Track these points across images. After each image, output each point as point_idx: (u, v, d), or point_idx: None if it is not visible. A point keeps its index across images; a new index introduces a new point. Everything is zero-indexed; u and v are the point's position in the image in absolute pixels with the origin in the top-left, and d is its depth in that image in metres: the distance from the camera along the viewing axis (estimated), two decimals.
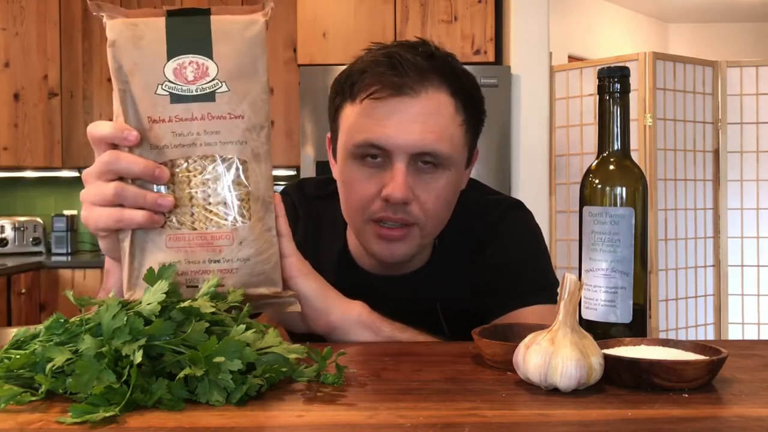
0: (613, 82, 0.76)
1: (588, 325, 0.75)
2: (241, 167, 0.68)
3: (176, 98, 0.66)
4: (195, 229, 0.67)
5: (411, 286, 1.02)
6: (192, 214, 0.67)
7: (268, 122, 0.70)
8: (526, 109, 3.12)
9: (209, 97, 0.67)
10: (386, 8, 3.17)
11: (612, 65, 0.78)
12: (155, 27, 0.67)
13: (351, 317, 0.83)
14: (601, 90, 0.77)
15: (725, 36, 6.10)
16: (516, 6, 3.10)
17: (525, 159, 3.12)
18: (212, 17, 0.67)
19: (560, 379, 0.57)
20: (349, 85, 0.92)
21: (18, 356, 0.55)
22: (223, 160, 0.67)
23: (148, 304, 0.57)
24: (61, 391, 0.54)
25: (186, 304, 0.58)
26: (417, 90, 0.88)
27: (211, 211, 0.68)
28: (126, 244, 0.68)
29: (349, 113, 0.92)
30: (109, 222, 0.67)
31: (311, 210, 1.07)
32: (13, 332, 0.60)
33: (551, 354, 0.58)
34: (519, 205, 1.09)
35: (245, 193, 0.69)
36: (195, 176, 0.67)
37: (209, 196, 0.67)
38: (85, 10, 3.62)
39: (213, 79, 0.67)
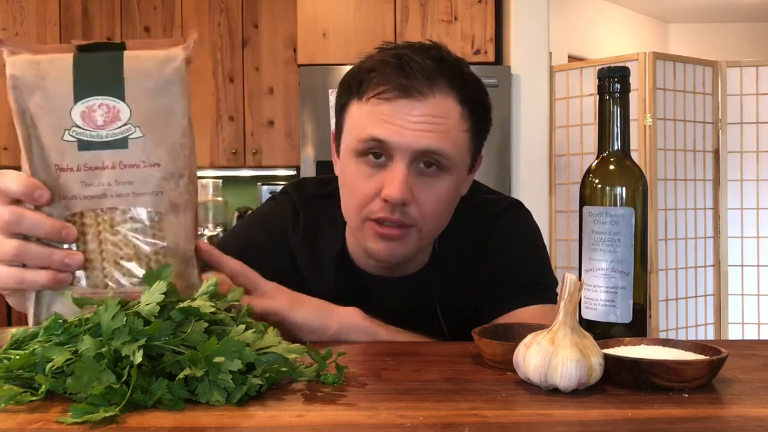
0: (613, 82, 0.76)
1: (588, 325, 0.75)
2: (156, 220, 0.63)
3: (85, 145, 0.61)
4: (107, 286, 0.62)
5: (410, 287, 1.02)
6: (104, 269, 0.62)
7: (188, 170, 0.64)
8: (526, 109, 3.12)
9: (121, 143, 0.61)
10: (386, 8, 3.17)
11: (612, 65, 0.78)
12: (61, 65, 0.61)
13: (349, 324, 0.84)
14: (601, 90, 0.77)
15: (725, 36, 6.09)
16: (516, 6, 3.10)
17: (525, 159, 3.12)
18: (126, 53, 0.62)
19: (560, 379, 0.57)
20: (356, 83, 0.92)
21: (18, 356, 0.55)
22: (136, 213, 0.63)
23: (147, 304, 0.57)
24: (61, 391, 0.54)
25: (185, 304, 0.58)
26: (424, 93, 0.88)
27: (123, 267, 0.62)
28: (30, 304, 0.62)
29: (356, 111, 0.92)
30: (10, 283, 0.62)
31: (311, 209, 1.07)
32: (12, 332, 0.60)
33: (551, 354, 0.58)
34: (517, 204, 1.09)
35: (161, 248, 0.63)
36: (105, 230, 0.62)
37: (121, 250, 0.62)
38: (85, 10, 3.62)
39: (125, 124, 0.61)
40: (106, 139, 0.61)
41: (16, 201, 0.62)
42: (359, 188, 0.91)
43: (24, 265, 0.62)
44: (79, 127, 0.61)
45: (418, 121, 0.88)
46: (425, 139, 0.88)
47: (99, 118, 0.61)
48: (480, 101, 0.94)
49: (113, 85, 0.61)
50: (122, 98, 0.61)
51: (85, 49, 0.61)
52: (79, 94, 0.60)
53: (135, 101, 0.61)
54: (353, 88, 0.92)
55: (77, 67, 0.61)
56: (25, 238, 0.62)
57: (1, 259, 0.62)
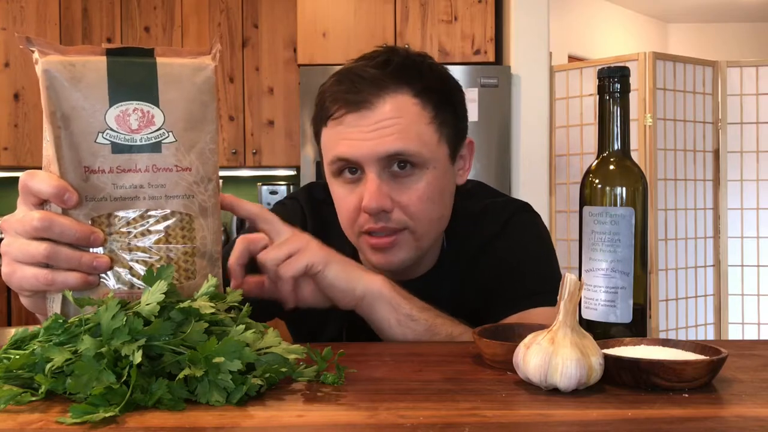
0: (613, 82, 0.76)
1: (588, 325, 0.75)
2: (186, 222, 0.65)
3: (119, 148, 0.61)
4: (132, 286, 0.63)
5: (419, 290, 1.02)
6: (131, 269, 0.63)
7: (216, 174, 0.66)
8: (526, 109, 3.12)
9: (155, 147, 0.62)
10: (386, 8, 3.17)
11: (612, 65, 0.78)
12: (95, 68, 0.61)
13: (373, 291, 0.85)
14: (601, 90, 0.77)
15: (725, 36, 6.10)
16: (516, 6, 3.10)
17: (525, 159, 3.12)
18: (158, 60, 0.63)
19: (560, 379, 0.57)
20: (320, 109, 0.95)
21: (17, 356, 0.55)
22: (167, 215, 0.64)
23: (147, 304, 0.57)
24: (61, 391, 0.54)
25: (185, 304, 0.58)
26: (372, 102, 0.89)
27: (152, 266, 0.63)
28: (57, 305, 0.62)
29: (324, 136, 0.96)
30: (38, 284, 0.62)
31: (320, 215, 1.07)
32: (12, 332, 0.60)
33: (551, 354, 0.58)
34: (526, 207, 1.09)
35: (190, 248, 0.65)
36: (135, 230, 0.63)
37: (151, 250, 0.63)
38: (85, 10, 3.62)
39: (159, 129, 0.62)
40: (140, 143, 0.62)
41: (44, 200, 0.63)
42: (344, 206, 0.94)
43: (48, 266, 0.62)
44: (114, 131, 0.61)
45: (372, 129, 0.89)
46: (384, 144, 0.89)
47: (134, 122, 0.62)
48: (439, 89, 0.94)
49: (148, 91, 0.62)
50: (156, 104, 0.62)
51: (116, 53, 0.62)
52: (114, 97, 0.61)
53: (168, 107, 0.63)
54: (318, 114, 0.96)
55: (111, 70, 0.61)
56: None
57: (31, 262, 0.62)
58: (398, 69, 0.92)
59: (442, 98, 0.94)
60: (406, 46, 0.95)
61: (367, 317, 0.86)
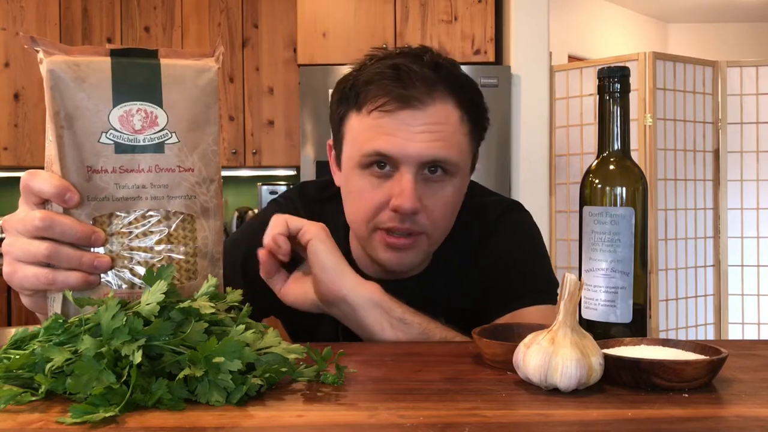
0: (613, 82, 0.76)
1: (588, 325, 0.75)
2: (188, 222, 0.65)
3: (122, 148, 0.62)
4: (133, 286, 0.63)
5: (413, 289, 1.02)
6: (132, 269, 0.63)
7: (218, 175, 0.67)
8: (526, 109, 3.12)
9: (158, 148, 0.63)
10: (386, 8, 3.17)
11: (612, 65, 0.78)
12: (99, 68, 0.61)
13: (363, 293, 0.84)
14: (601, 90, 0.77)
15: (725, 36, 6.09)
16: (516, 6, 3.10)
17: (525, 159, 3.12)
18: (162, 62, 0.64)
19: (560, 379, 0.57)
20: (354, 95, 0.92)
21: (17, 356, 0.55)
22: (169, 215, 0.64)
23: (147, 304, 0.57)
24: (61, 391, 0.54)
25: (185, 304, 0.58)
26: (425, 102, 0.88)
27: (153, 266, 0.63)
28: (57, 305, 0.63)
29: (356, 123, 0.92)
30: (39, 284, 0.62)
31: (314, 214, 1.07)
32: (12, 332, 0.60)
33: (551, 354, 0.58)
34: (517, 206, 1.09)
35: (192, 249, 0.66)
36: (137, 230, 0.63)
37: (152, 250, 0.64)
38: (85, 10, 3.62)
39: (162, 129, 0.63)
40: (143, 144, 0.63)
41: (45, 200, 0.63)
42: (366, 199, 0.92)
43: (49, 266, 0.62)
44: (117, 131, 0.62)
45: (421, 131, 0.88)
46: (430, 149, 0.88)
47: (137, 122, 0.62)
48: (477, 103, 0.95)
49: (152, 92, 0.63)
50: (160, 105, 0.63)
51: (120, 53, 0.63)
52: (118, 98, 0.62)
53: (172, 108, 0.64)
54: (350, 99, 0.92)
55: (116, 71, 0.62)
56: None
57: (33, 261, 0.62)
58: (448, 75, 0.91)
59: (478, 113, 0.95)
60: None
61: (354, 321, 0.85)
